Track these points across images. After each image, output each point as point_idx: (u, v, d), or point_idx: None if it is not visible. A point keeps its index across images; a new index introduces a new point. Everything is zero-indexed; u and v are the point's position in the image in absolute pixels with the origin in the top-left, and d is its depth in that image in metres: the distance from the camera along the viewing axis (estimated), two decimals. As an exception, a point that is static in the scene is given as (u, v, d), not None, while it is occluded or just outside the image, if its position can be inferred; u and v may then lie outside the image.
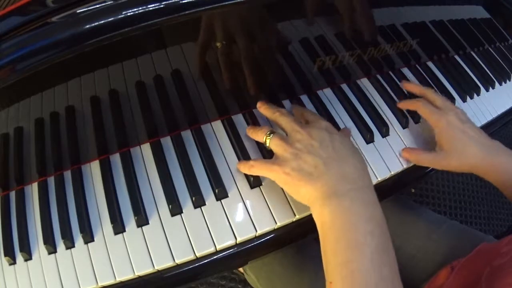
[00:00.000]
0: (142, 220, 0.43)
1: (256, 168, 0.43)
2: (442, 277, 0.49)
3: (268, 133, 0.43)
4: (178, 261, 0.42)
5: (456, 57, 0.70)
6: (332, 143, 0.41)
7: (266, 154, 0.48)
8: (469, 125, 0.50)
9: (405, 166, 0.52)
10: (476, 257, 0.47)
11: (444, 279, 0.48)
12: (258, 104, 0.49)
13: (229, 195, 0.45)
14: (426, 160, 0.50)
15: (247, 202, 0.45)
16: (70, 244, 0.43)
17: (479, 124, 0.61)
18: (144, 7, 0.34)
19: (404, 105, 0.55)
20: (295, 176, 0.39)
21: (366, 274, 0.34)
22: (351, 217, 0.37)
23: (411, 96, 0.58)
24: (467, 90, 0.64)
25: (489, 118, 0.63)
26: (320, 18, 0.46)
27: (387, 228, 0.38)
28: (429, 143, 0.54)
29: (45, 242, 0.43)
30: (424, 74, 0.64)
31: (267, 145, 0.43)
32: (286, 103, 0.54)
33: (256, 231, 0.44)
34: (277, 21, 0.43)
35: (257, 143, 0.49)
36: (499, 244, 0.44)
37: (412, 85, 0.57)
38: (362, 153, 0.51)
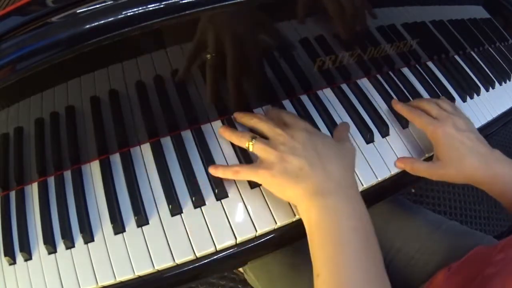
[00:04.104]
0: (142, 220, 0.43)
1: (242, 173, 0.43)
2: (440, 278, 0.49)
3: (251, 138, 0.44)
4: (178, 261, 0.42)
5: (456, 57, 0.70)
6: (314, 144, 0.42)
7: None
8: (467, 134, 0.48)
9: (405, 166, 0.52)
10: (470, 262, 0.46)
11: (441, 281, 0.48)
12: (234, 115, 0.49)
13: (229, 195, 0.45)
14: (422, 169, 0.50)
15: (247, 202, 0.45)
16: (70, 244, 0.43)
17: (479, 124, 0.61)
18: (144, 7, 0.34)
19: (400, 109, 0.55)
20: (281, 178, 0.40)
21: (350, 268, 0.37)
22: (336, 214, 0.39)
23: (408, 98, 0.58)
24: (467, 90, 0.64)
25: (489, 118, 0.63)
26: (319, 18, 0.46)
27: (371, 223, 0.40)
28: (429, 144, 0.54)
29: (45, 242, 0.43)
30: (424, 74, 0.64)
31: (251, 150, 0.44)
32: (287, 103, 0.54)
33: (256, 231, 0.44)
34: (276, 22, 0.43)
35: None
36: (493, 249, 0.44)
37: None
38: (362, 153, 0.51)
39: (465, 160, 0.47)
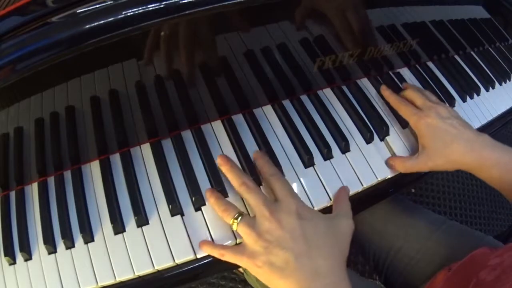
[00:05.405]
0: (142, 220, 0.43)
1: (227, 256, 0.40)
2: (440, 278, 0.49)
3: (236, 215, 0.41)
4: (178, 261, 0.42)
5: (456, 57, 0.70)
6: (304, 232, 0.39)
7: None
8: (451, 121, 0.49)
9: (405, 166, 0.52)
10: (470, 263, 0.46)
11: (441, 281, 0.48)
12: (218, 160, 0.46)
13: (229, 195, 0.45)
14: (412, 165, 0.49)
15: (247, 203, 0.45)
16: (70, 244, 0.43)
17: (478, 124, 0.61)
18: (144, 7, 0.34)
19: (387, 96, 0.55)
20: (266, 270, 0.38)
21: None
22: None
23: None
24: (467, 90, 0.64)
25: (489, 118, 0.63)
26: (320, 19, 0.46)
27: None
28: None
29: (45, 242, 0.43)
30: (424, 74, 0.64)
31: (234, 229, 0.41)
32: (286, 103, 0.53)
33: (256, 231, 0.44)
34: (276, 22, 0.43)
35: (256, 143, 0.49)
36: (494, 253, 0.44)
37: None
38: (361, 153, 0.51)
39: (451, 146, 0.47)
